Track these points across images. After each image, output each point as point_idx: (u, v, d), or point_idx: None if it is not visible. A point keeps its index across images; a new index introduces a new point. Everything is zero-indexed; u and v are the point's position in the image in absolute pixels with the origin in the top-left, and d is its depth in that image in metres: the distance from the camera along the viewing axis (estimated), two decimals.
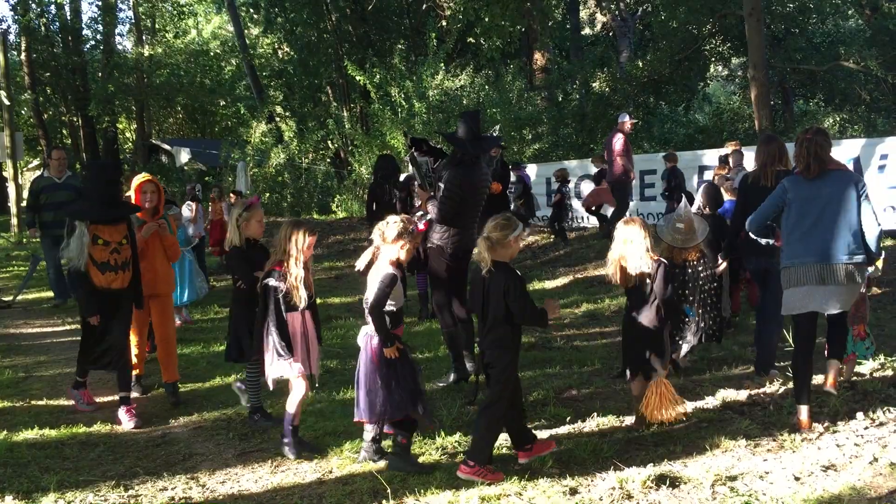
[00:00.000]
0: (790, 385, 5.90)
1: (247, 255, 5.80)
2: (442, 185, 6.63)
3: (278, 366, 5.17)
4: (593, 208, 14.90)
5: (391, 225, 4.93)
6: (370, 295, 4.84)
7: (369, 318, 4.83)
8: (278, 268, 5.18)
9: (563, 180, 14.68)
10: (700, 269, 6.65)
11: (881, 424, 5.13)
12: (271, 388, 5.39)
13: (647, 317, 5.35)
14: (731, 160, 11.87)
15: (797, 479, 4.39)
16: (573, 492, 4.41)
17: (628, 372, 5.56)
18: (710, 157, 13.99)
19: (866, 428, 5.09)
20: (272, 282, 5.15)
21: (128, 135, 39.01)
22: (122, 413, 6.12)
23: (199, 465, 5.23)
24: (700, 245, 6.65)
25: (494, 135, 8.21)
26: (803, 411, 5.18)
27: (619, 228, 5.43)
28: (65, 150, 12.88)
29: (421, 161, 7.32)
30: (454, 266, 6.68)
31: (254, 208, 5.91)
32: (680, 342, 6.67)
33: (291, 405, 5.24)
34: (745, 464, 4.67)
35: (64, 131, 35.94)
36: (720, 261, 6.90)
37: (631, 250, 5.27)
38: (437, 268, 6.71)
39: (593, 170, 16.09)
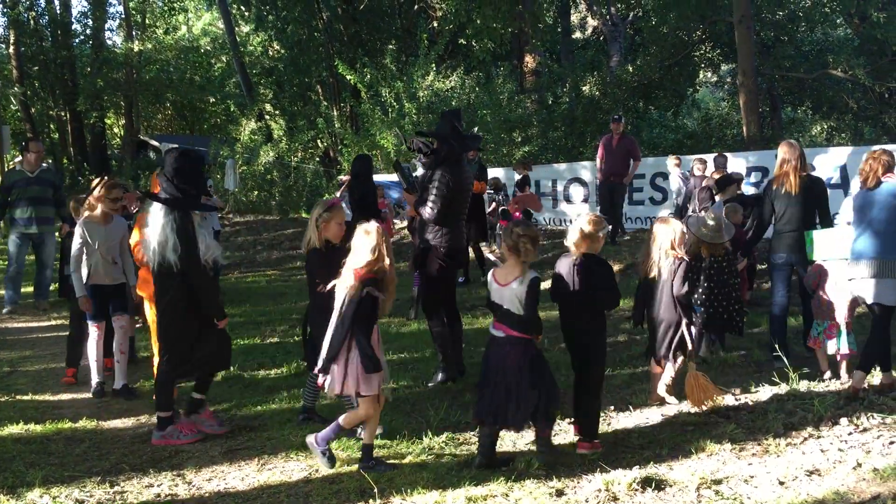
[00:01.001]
0: (777, 390, 5.98)
1: (327, 257, 5.34)
2: (431, 186, 6.64)
3: (368, 381, 4.80)
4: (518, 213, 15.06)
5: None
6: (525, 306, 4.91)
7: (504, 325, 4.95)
8: (372, 275, 4.79)
9: (497, 189, 14.71)
10: (725, 265, 7.01)
11: (865, 430, 5.17)
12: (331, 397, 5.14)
13: (666, 310, 5.83)
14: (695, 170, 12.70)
15: (781, 483, 4.42)
16: (559, 493, 4.42)
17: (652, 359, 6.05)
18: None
19: (850, 434, 5.13)
20: (376, 291, 4.79)
21: (116, 130, 38.80)
22: (205, 419, 5.75)
23: (186, 462, 5.21)
24: (727, 244, 7.06)
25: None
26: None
27: (654, 226, 5.98)
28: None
29: (404, 166, 7.39)
30: (447, 265, 6.72)
31: (336, 209, 5.60)
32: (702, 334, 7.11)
33: (370, 436, 4.95)
34: (730, 467, 4.70)
35: (51, 126, 35.69)
36: (740, 258, 7.50)
37: (656, 247, 5.84)
38: (430, 267, 6.72)
39: (582, 173, 16.18)
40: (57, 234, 10.60)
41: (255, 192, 22.90)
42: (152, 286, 5.68)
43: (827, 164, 12.09)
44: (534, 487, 4.49)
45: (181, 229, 5.23)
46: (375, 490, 4.48)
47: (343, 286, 4.82)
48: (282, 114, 26.21)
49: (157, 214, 5.29)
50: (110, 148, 36.72)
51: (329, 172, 23.36)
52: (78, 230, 6.78)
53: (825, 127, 25.62)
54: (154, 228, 5.27)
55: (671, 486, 4.46)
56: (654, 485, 4.43)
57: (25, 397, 6.80)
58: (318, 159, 24.54)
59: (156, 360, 5.85)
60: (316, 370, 4.98)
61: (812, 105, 27.10)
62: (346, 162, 21.22)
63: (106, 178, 6.79)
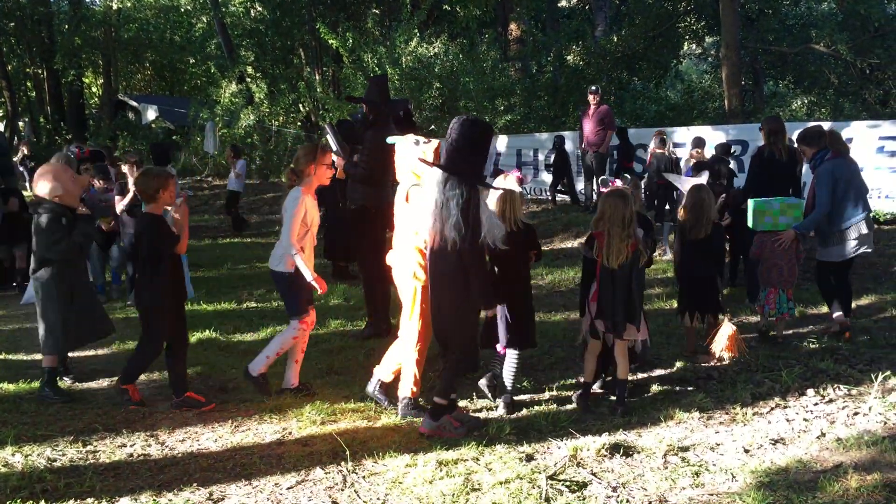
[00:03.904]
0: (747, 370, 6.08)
1: None
2: (361, 148, 7.01)
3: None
4: None
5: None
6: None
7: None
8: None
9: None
10: None
11: (830, 401, 5.27)
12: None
13: (708, 268, 6.49)
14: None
15: (747, 451, 4.50)
16: (529, 458, 4.49)
17: (687, 314, 6.59)
18: (680, 134, 14.09)
19: (816, 404, 5.23)
20: None
21: (94, 90, 38.26)
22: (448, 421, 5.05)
23: (159, 423, 5.23)
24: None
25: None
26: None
27: (700, 193, 6.52)
28: None
29: (337, 129, 7.63)
30: (375, 224, 7.06)
31: None
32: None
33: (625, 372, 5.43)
34: (697, 435, 4.79)
35: (28, 83, 35.14)
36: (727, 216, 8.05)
37: (707, 212, 6.43)
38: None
39: (564, 143, 16.13)
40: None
41: None
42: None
43: None
44: (504, 452, 4.56)
45: (468, 206, 4.64)
46: (348, 453, 4.53)
47: (621, 257, 5.24)
48: (263, 77, 25.89)
49: (439, 187, 4.72)
50: (88, 107, 36.23)
51: (310, 137, 23.18)
52: (296, 202, 5.43)
53: (806, 101, 25.68)
54: (434, 200, 4.71)
55: (639, 452, 4.54)
56: (622, 451, 4.51)
57: None
58: (299, 124, 24.32)
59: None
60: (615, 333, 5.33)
61: (794, 79, 27.16)
62: None
63: (320, 142, 5.85)
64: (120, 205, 9.08)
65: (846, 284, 6.98)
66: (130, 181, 8.87)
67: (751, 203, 6.90)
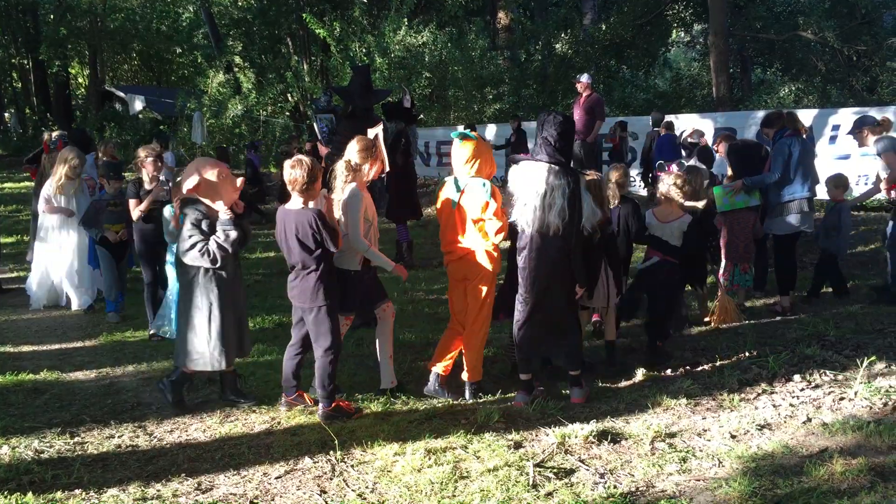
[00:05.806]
0: (734, 353, 6.10)
1: None
2: (337, 139, 7.07)
3: None
4: None
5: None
6: None
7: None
8: None
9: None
10: None
11: (817, 387, 5.30)
12: None
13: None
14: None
15: (733, 436, 4.53)
16: (517, 445, 4.50)
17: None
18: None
19: (802, 390, 5.25)
20: None
21: (80, 80, 38.00)
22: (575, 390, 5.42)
23: (147, 414, 5.22)
24: None
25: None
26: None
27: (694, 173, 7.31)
28: None
29: (323, 116, 7.60)
30: None
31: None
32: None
33: None
34: (684, 421, 4.81)
35: (14, 74, 34.90)
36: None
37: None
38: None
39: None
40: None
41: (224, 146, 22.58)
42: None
43: None
44: (492, 440, 4.57)
45: (573, 195, 4.96)
46: (336, 442, 4.53)
47: None
48: (251, 66, 25.74)
49: (542, 177, 4.96)
50: (75, 98, 35.99)
51: (299, 127, 23.10)
52: (357, 201, 5.20)
53: (793, 88, 25.65)
54: (537, 191, 4.95)
55: (626, 438, 4.56)
56: (609, 438, 4.53)
57: None
58: (287, 113, 24.22)
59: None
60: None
61: (781, 66, 27.16)
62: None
63: (380, 131, 5.47)
64: (136, 210, 7.24)
65: (790, 262, 7.46)
66: (147, 178, 7.32)
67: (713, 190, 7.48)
